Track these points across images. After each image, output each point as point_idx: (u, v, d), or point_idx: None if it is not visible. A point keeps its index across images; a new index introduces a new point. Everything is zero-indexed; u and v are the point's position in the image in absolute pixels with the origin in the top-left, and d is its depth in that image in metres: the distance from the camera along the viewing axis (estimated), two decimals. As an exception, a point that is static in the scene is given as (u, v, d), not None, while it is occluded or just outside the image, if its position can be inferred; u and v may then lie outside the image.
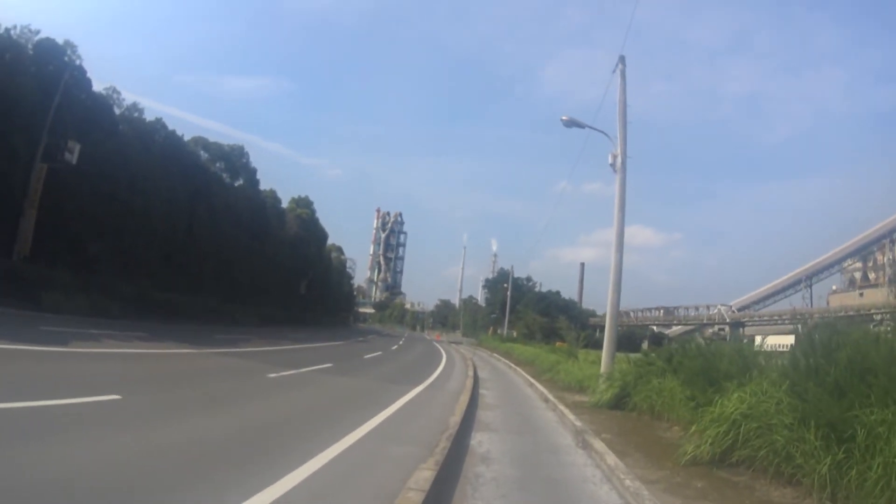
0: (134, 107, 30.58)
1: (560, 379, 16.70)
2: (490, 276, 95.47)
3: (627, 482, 5.22)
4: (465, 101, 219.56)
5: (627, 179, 13.63)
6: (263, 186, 47.03)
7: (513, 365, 26.53)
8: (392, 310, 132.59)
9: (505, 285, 66.98)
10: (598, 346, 23.74)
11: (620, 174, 13.50)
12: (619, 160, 13.50)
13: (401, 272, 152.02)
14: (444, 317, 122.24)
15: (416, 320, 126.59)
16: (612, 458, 6.19)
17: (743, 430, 5.73)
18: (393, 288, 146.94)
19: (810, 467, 4.81)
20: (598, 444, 7.02)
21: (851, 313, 34.35)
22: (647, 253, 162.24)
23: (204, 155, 39.65)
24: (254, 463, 4.79)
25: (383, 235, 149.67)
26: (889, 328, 7.40)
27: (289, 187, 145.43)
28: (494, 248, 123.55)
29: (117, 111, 28.37)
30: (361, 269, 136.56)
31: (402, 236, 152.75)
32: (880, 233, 65.74)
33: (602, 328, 18.19)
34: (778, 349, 11.22)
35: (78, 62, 24.41)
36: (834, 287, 72.72)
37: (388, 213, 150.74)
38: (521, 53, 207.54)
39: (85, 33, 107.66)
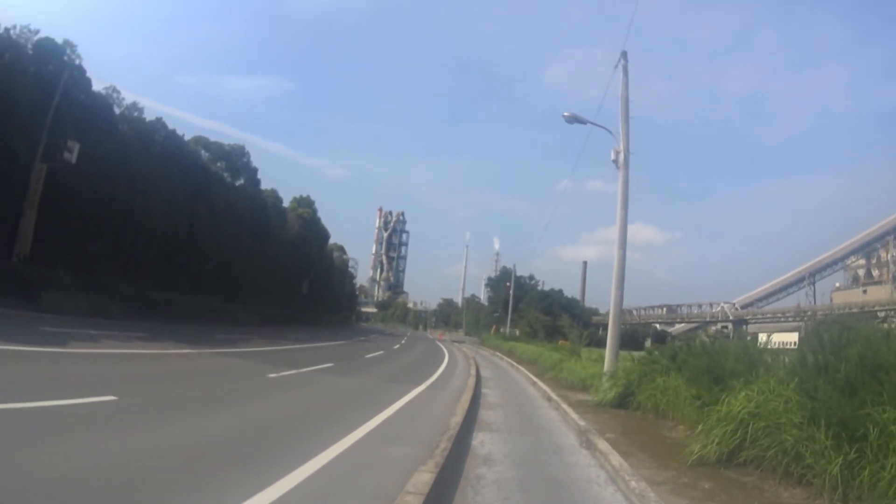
0: (134, 106, 30.63)
1: (563, 378, 16.58)
2: (492, 275, 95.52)
3: (633, 483, 5.11)
4: (465, 100, 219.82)
5: (630, 176, 13.56)
6: (264, 186, 47.13)
7: (515, 364, 26.45)
8: (394, 309, 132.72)
9: (507, 284, 66.94)
10: (600, 344, 23.60)
11: (623, 170, 13.39)
12: (621, 156, 13.38)
13: (403, 271, 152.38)
14: (446, 316, 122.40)
15: (419, 319, 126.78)
16: (616, 459, 6.07)
17: (751, 430, 5.60)
18: (395, 287, 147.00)
19: (821, 467, 4.68)
20: (602, 444, 6.90)
21: (855, 310, 34.20)
22: (649, 251, 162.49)
23: (204, 154, 39.68)
24: (253, 463, 4.78)
25: (385, 235, 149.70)
26: (898, 325, 7.27)
27: (290, 187, 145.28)
28: (497, 246, 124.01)
29: (117, 111, 28.36)
30: (364, 268, 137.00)
31: (404, 235, 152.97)
32: (884, 229, 65.58)
33: (604, 326, 18.09)
34: (783, 346, 11.08)
35: (77, 62, 24.43)
36: (837, 284, 72.62)
37: (391, 213, 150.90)
38: (521, 53, 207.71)
39: (85, 33, 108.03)
